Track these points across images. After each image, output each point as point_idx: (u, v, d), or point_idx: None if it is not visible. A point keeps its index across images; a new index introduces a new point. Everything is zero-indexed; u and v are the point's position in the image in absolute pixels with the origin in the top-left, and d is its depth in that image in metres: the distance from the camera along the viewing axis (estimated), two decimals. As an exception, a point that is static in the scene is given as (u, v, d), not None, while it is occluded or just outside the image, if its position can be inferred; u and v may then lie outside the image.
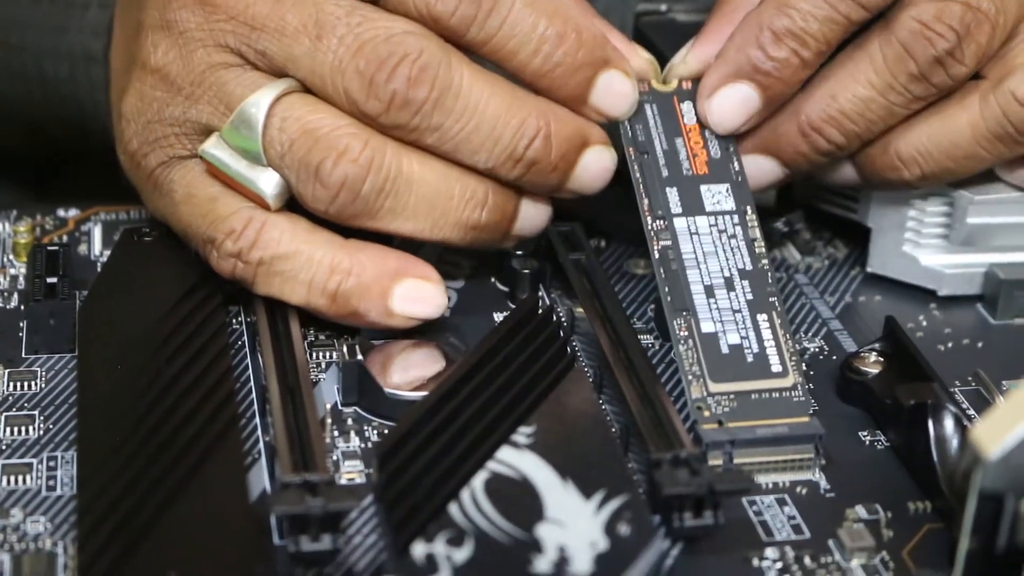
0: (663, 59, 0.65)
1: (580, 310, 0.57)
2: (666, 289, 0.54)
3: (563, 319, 0.58)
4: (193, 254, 0.57)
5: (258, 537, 0.48)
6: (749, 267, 0.55)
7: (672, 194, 0.56)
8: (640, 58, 0.58)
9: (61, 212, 0.65)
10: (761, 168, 0.58)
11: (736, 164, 0.57)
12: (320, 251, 0.55)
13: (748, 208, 0.56)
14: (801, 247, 0.65)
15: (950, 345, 0.60)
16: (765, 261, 0.55)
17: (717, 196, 0.56)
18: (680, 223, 0.56)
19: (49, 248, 0.59)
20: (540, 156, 0.55)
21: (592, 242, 0.63)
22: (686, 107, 0.58)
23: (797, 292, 0.62)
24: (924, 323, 0.61)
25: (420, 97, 0.53)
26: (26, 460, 0.51)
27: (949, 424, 0.51)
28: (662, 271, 0.55)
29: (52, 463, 0.51)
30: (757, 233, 0.56)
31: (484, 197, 0.56)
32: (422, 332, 0.58)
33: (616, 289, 0.60)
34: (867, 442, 0.54)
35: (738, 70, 0.57)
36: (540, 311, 0.56)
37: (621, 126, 0.57)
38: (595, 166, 0.56)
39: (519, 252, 0.60)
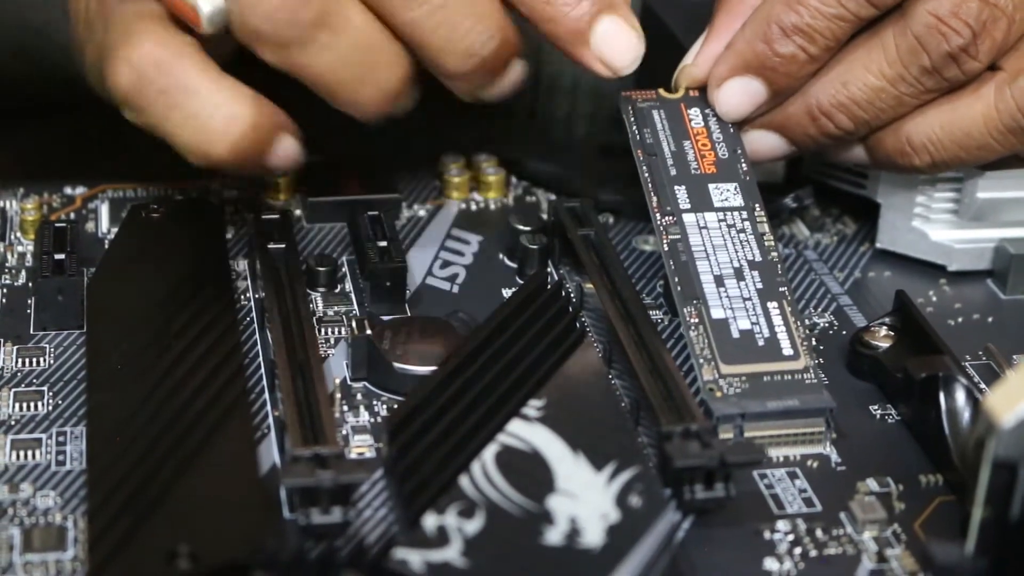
0: (671, 37, 0.65)
1: (589, 286, 0.57)
2: (676, 279, 0.54)
3: (572, 295, 0.58)
4: (201, 229, 0.57)
5: (268, 510, 0.48)
6: (759, 259, 0.55)
7: (680, 192, 0.57)
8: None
9: (68, 190, 0.65)
10: (767, 143, 0.58)
11: (744, 165, 0.58)
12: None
13: (756, 205, 0.57)
14: (810, 223, 0.65)
15: (960, 320, 0.59)
16: (775, 254, 0.55)
17: (725, 194, 0.57)
18: (689, 218, 0.56)
19: (57, 225, 0.59)
20: (495, 59, 0.55)
21: (601, 218, 0.63)
22: (693, 112, 0.59)
23: (807, 268, 0.62)
24: (934, 298, 0.61)
25: None
26: (35, 435, 0.51)
27: (960, 396, 0.51)
28: (672, 263, 0.55)
29: (61, 438, 0.51)
30: (766, 228, 0.56)
31: (405, 66, 0.55)
32: (431, 308, 0.58)
33: (625, 265, 0.60)
34: (878, 416, 0.54)
35: (745, 63, 0.57)
36: (549, 286, 0.56)
37: (629, 130, 0.58)
38: (517, 78, 0.56)
39: (528, 228, 0.60)
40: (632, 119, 0.58)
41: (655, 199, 0.56)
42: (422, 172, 0.67)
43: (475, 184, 0.66)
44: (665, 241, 0.55)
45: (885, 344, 0.55)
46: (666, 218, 0.56)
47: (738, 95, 0.58)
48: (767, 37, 0.56)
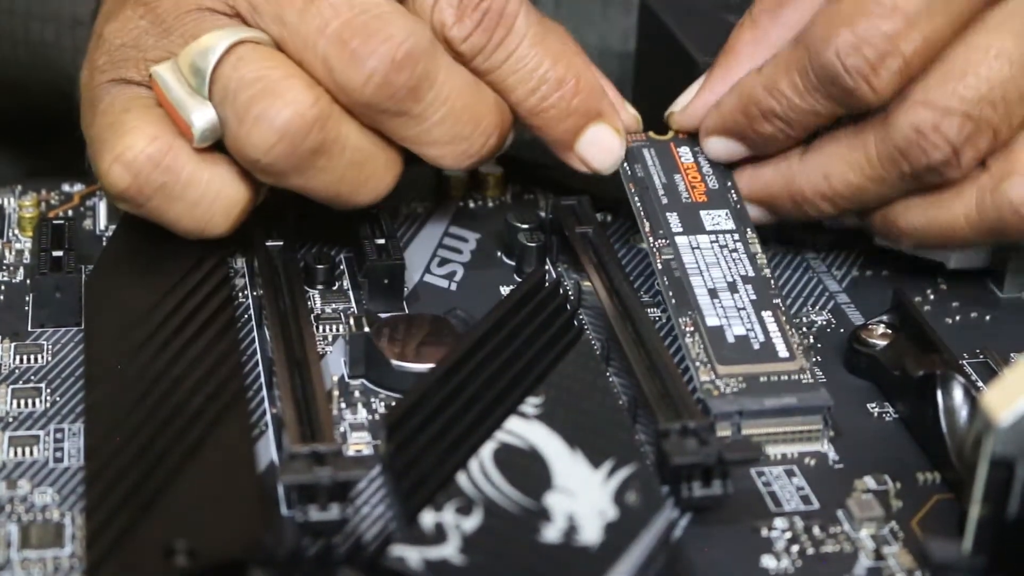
0: (670, 35, 0.65)
1: (587, 284, 0.57)
2: (670, 294, 0.54)
3: (570, 292, 0.58)
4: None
5: (266, 507, 0.48)
6: (751, 274, 0.55)
7: (672, 217, 0.57)
8: (628, 113, 0.59)
9: (66, 187, 0.65)
10: (754, 213, 0.59)
11: (734, 195, 0.58)
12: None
13: (748, 229, 0.57)
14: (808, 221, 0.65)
15: (958, 319, 0.59)
16: (767, 271, 0.56)
17: (717, 219, 0.57)
18: (681, 240, 0.56)
19: (55, 222, 0.59)
20: (492, 153, 0.56)
21: (598, 216, 0.63)
22: (683, 150, 0.60)
23: (804, 266, 0.62)
24: (932, 297, 0.61)
25: (398, 81, 0.53)
26: (33, 432, 0.51)
27: (958, 394, 0.51)
28: (665, 279, 0.55)
29: (59, 435, 0.51)
30: (758, 248, 0.56)
31: (400, 164, 0.56)
32: (429, 305, 0.58)
33: (623, 263, 0.60)
34: (875, 414, 0.54)
35: (727, 129, 0.58)
36: (547, 284, 0.56)
37: (619, 167, 0.59)
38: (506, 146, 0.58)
39: (526, 226, 0.60)
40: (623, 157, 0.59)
41: (647, 224, 0.57)
42: (420, 170, 0.67)
43: (473, 182, 0.66)
44: (658, 260, 0.56)
45: (883, 342, 0.55)
46: (659, 241, 0.56)
47: (722, 150, 0.59)
48: (748, 114, 0.57)
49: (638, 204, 0.57)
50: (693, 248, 0.56)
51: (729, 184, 0.58)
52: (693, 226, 0.57)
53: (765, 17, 0.58)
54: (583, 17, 0.74)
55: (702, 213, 0.57)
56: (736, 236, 0.57)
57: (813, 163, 0.57)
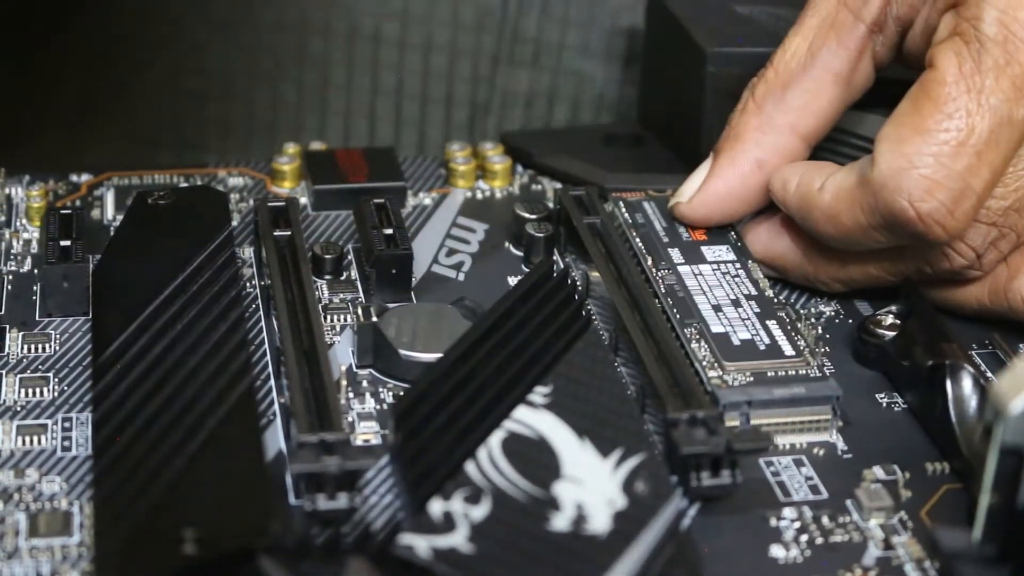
0: (679, 27, 0.65)
1: (595, 274, 0.57)
2: (674, 311, 0.55)
3: (578, 282, 0.58)
4: (207, 216, 0.57)
5: (274, 496, 0.48)
6: (755, 293, 0.56)
7: (674, 252, 0.58)
8: None
9: (74, 177, 0.65)
10: (763, 271, 0.59)
11: (734, 235, 0.59)
12: None
13: (749, 261, 0.57)
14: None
15: (967, 309, 0.59)
16: (770, 292, 0.56)
17: (718, 252, 0.58)
18: (684, 268, 0.57)
19: (62, 212, 0.58)
20: None
21: (607, 207, 0.62)
22: None
23: (812, 257, 0.62)
24: (940, 287, 0.61)
25: None
26: (41, 421, 0.51)
27: (967, 384, 0.51)
28: (669, 300, 0.55)
29: (67, 424, 0.51)
30: (760, 275, 0.57)
31: None
32: (437, 295, 0.58)
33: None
34: (884, 404, 0.54)
35: (774, 262, 0.59)
36: (555, 274, 0.56)
37: (620, 217, 0.59)
38: None
39: (533, 216, 0.60)
40: (622, 208, 0.60)
41: (649, 259, 0.57)
42: (428, 160, 0.67)
43: (481, 172, 0.66)
44: (661, 285, 0.56)
45: (892, 332, 0.55)
46: (661, 272, 0.56)
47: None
48: (802, 244, 0.58)
49: (639, 244, 0.58)
50: (696, 275, 0.56)
51: (726, 228, 0.59)
52: (695, 258, 0.57)
53: (769, 102, 0.57)
54: None
55: (703, 248, 0.58)
56: (738, 265, 0.57)
57: (830, 253, 0.57)
